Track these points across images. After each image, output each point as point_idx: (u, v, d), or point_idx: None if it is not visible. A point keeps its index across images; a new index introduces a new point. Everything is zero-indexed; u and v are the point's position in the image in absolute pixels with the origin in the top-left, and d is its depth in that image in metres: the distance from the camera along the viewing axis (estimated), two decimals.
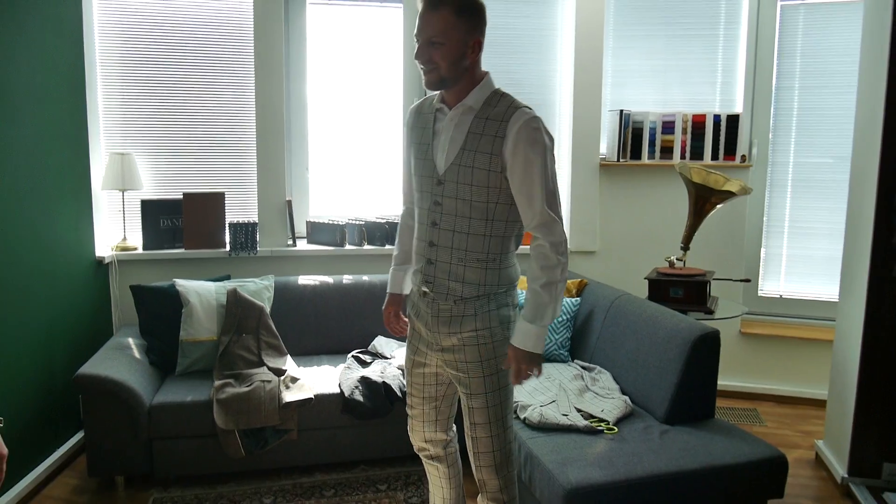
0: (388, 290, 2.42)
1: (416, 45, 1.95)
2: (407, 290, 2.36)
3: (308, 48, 4.17)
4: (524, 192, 1.96)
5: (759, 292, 4.45)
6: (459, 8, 1.90)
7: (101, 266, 3.83)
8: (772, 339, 4.32)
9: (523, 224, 2.04)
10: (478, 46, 1.98)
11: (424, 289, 2.10)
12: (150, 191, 4.02)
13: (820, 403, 4.06)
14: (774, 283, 4.45)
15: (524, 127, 1.92)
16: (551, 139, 1.98)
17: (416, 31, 1.94)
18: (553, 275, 1.97)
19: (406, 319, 2.33)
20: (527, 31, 4.28)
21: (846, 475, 3.14)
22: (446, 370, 2.16)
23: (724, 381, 4.22)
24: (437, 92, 2.08)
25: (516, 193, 1.97)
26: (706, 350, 2.72)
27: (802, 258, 4.38)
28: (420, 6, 1.92)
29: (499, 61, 4.25)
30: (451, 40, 1.91)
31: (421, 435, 2.36)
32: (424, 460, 2.44)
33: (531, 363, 2.01)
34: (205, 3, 3.98)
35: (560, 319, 3.53)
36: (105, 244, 3.92)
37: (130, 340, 3.44)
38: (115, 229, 3.99)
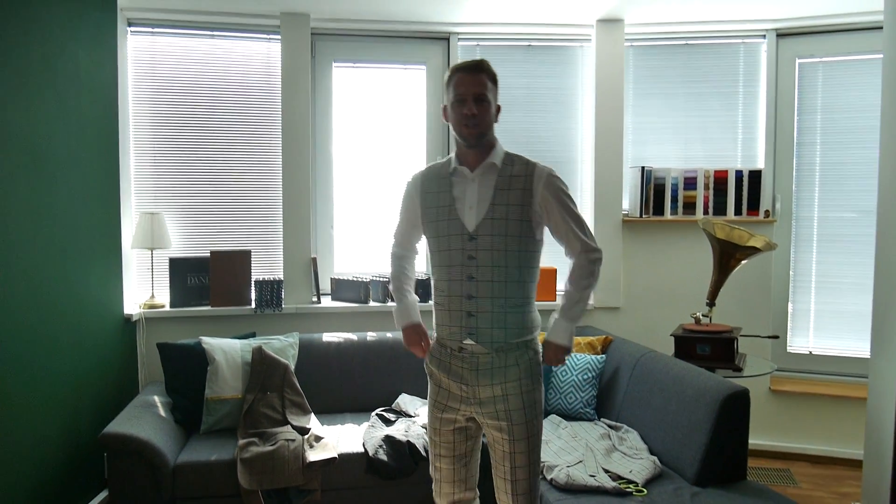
0: (411, 321, 2.38)
1: (462, 103, 2.15)
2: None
3: (334, 109, 4.29)
4: (564, 232, 2.23)
5: (788, 348, 4.37)
6: (492, 75, 2.20)
7: (128, 323, 3.88)
8: (803, 397, 4.22)
9: (569, 251, 2.26)
10: (498, 111, 2.25)
11: (468, 341, 2.19)
12: (178, 249, 4.10)
13: (856, 464, 3.94)
14: (803, 340, 4.38)
15: (549, 178, 2.20)
16: (566, 185, 2.26)
17: (460, 91, 2.15)
18: (593, 283, 2.25)
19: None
20: (548, 89, 4.37)
21: None
22: (484, 421, 2.23)
23: (754, 440, 4.11)
24: (446, 158, 2.30)
25: (559, 229, 2.23)
26: (736, 409, 2.67)
27: (831, 313, 4.32)
28: (459, 71, 2.17)
29: (521, 118, 4.34)
30: (489, 100, 2.18)
31: (450, 497, 2.35)
32: None
33: (565, 355, 2.28)
34: (233, 69, 4.13)
35: (585, 377, 3.49)
36: (133, 302, 3.99)
37: (156, 398, 3.46)
38: (143, 287, 4.06)
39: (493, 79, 2.20)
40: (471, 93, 2.14)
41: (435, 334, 2.34)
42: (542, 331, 2.31)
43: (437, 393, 2.30)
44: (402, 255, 2.46)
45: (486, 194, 2.18)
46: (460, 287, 2.19)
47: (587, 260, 2.23)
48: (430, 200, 2.27)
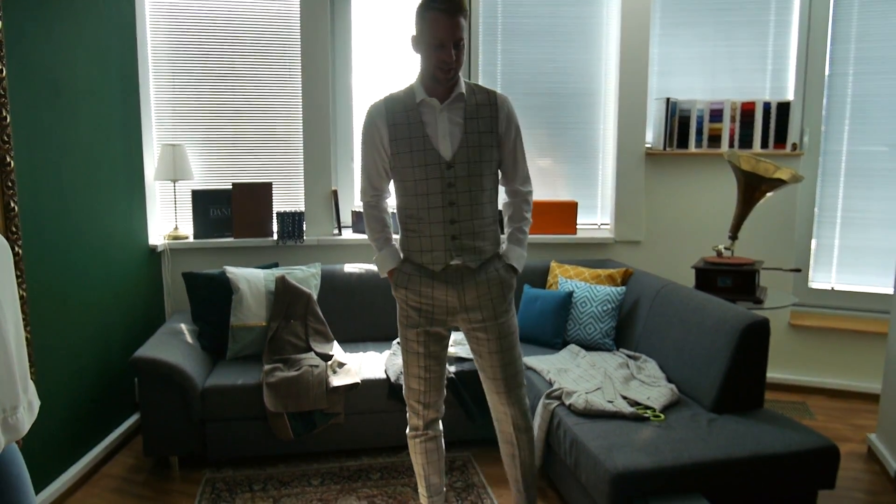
0: (396, 266, 2.41)
1: (442, 48, 2.16)
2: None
3: (353, 39, 4.22)
4: (513, 157, 2.39)
5: (810, 284, 4.36)
6: (465, 13, 2.20)
7: (153, 254, 3.94)
8: (822, 332, 4.23)
9: (508, 181, 2.43)
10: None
11: (455, 262, 2.31)
12: (201, 181, 4.12)
13: (873, 398, 3.96)
14: (826, 275, 4.35)
15: (509, 106, 2.36)
16: None
17: (439, 36, 2.14)
18: (530, 215, 2.46)
19: None
20: (572, 18, 4.25)
21: None
22: (471, 326, 2.38)
23: (772, 374, 4.13)
24: (407, 87, 2.32)
25: (508, 158, 2.38)
26: (756, 338, 2.68)
27: (855, 249, 4.27)
28: (436, 14, 2.12)
29: (543, 49, 4.24)
30: (464, 42, 2.21)
31: (437, 405, 2.52)
32: (429, 436, 2.54)
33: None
34: (253, 1, 4.06)
35: (605, 308, 3.52)
36: (157, 233, 4.04)
37: (183, 326, 3.54)
38: (166, 218, 4.11)
39: (466, 14, 2.19)
40: (451, 39, 2.14)
41: (402, 257, 2.41)
42: None
43: (420, 308, 2.36)
44: (376, 204, 2.43)
45: (457, 123, 2.26)
46: (441, 213, 2.28)
47: (525, 193, 2.44)
48: (401, 132, 2.28)
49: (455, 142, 2.26)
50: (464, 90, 2.28)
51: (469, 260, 2.31)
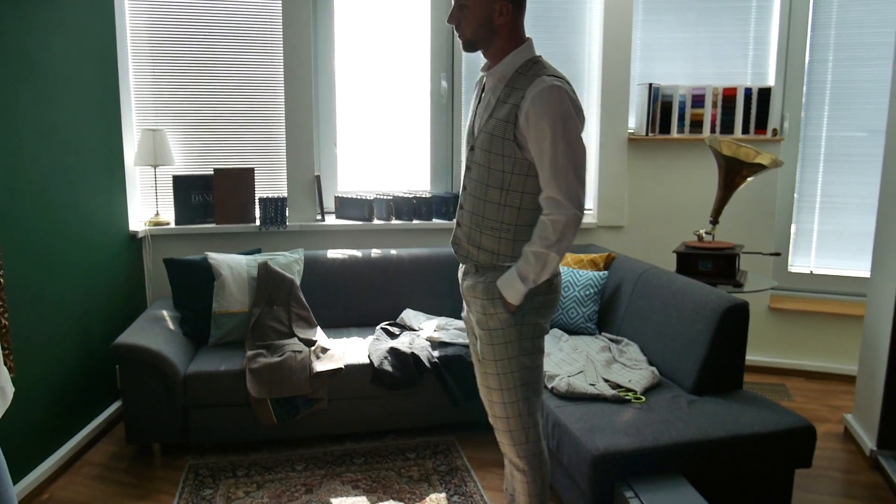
0: None
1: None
2: None
3: (336, 25, 4.19)
4: (540, 164, 1.92)
5: (790, 268, 4.41)
6: None
7: (134, 240, 3.90)
8: (801, 315, 4.28)
9: (541, 193, 1.97)
10: (506, 10, 1.95)
11: (452, 248, 2.18)
12: (182, 167, 4.08)
13: (849, 379, 4.03)
14: (805, 259, 4.40)
15: (538, 96, 1.87)
16: (573, 109, 1.91)
17: None
18: (545, 246, 1.91)
19: None
20: (555, 3, 4.24)
21: (875, 448, 3.13)
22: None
23: (752, 357, 4.21)
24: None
25: (536, 163, 1.93)
26: (735, 321, 2.72)
27: (834, 234, 4.33)
28: None
29: (526, 34, 4.22)
30: (475, 4, 1.93)
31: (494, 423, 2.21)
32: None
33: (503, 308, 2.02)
34: None
35: (587, 293, 3.54)
36: (138, 219, 4.00)
37: (164, 312, 3.52)
38: (147, 204, 4.07)
39: None
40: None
41: None
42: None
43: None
44: None
45: (491, 103, 1.98)
46: (462, 194, 2.11)
47: (546, 213, 1.93)
48: (474, 98, 2.16)
49: (481, 124, 2.01)
50: (505, 69, 1.98)
51: (461, 256, 2.12)
